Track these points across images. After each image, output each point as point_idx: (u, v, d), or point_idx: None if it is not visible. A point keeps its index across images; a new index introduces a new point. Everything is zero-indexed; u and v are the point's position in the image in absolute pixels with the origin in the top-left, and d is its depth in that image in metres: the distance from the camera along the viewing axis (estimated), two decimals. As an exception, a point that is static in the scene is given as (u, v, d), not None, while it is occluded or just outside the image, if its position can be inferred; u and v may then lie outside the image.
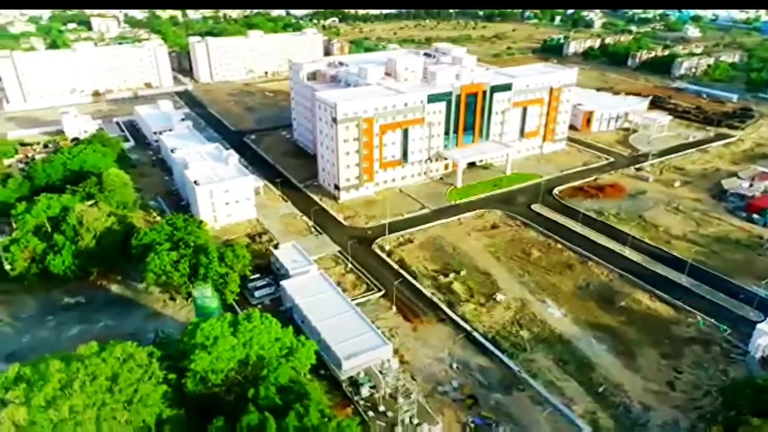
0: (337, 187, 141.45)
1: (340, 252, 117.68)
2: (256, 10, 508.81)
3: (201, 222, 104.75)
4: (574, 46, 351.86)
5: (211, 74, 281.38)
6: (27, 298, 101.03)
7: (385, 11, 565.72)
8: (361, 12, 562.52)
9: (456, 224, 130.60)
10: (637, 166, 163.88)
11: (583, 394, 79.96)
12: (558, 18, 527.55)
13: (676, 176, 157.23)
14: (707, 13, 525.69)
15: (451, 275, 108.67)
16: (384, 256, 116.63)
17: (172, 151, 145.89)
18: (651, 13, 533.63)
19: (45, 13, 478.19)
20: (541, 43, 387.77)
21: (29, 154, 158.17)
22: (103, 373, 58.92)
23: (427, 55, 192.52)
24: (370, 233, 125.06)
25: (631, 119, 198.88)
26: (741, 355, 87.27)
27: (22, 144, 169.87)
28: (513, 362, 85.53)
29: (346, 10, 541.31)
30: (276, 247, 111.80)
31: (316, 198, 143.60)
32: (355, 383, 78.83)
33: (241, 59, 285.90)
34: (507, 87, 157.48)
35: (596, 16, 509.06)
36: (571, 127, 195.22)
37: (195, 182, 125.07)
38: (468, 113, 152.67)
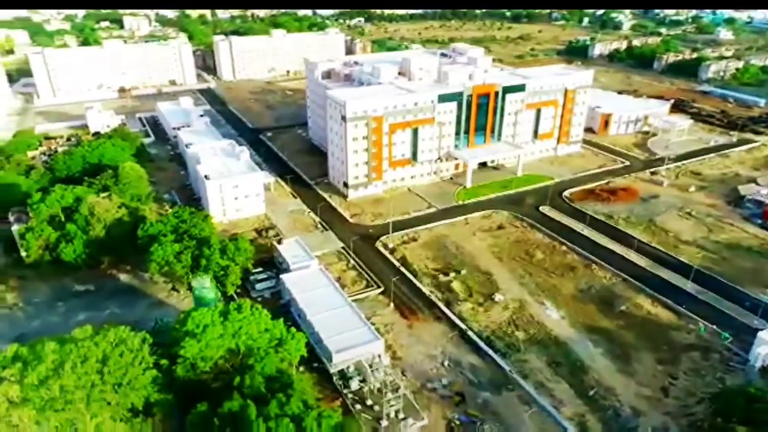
0: (345, 185, 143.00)
1: (343, 248, 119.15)
2: (282, 10, 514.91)
3: (206, 215, 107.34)
4: (600, 48, 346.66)
5: (233, 72, 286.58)
6: (40, 284, 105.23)
7: (410, 12, 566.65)
8: (387, 12, 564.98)
9: (462, 224, 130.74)
10: (653, 170, 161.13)
11: (573, 396, 79.54)
12: (586, 20, 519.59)
13: (693, 181, 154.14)
14: (742, 15, 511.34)
15: (452, 274, 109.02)
16: (387, 253, 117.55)
17: (186, 146, 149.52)
18: (683, 15, 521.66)
19: (80, 12, 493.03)
20: (566, 44, 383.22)
21: (52, 147, 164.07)
22: (94, 356, 61.36)
23: (443, 55, 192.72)
24: (372, 231, 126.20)
25: (650, 122, 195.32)
26: (741, 364, 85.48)
27: (47, 137, 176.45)
28: (505, 362, 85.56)
29: (371, 11, 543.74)
30: (279, 241, 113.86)
31: (325, 195, 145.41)
32: (344, 377, 80.00)
33: (264, 58, 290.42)
34: (520, 88, 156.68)
35: (626, 18, 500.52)
36: (589, 130, 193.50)
37: (205, 176, 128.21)
38: (480, 114, 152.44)
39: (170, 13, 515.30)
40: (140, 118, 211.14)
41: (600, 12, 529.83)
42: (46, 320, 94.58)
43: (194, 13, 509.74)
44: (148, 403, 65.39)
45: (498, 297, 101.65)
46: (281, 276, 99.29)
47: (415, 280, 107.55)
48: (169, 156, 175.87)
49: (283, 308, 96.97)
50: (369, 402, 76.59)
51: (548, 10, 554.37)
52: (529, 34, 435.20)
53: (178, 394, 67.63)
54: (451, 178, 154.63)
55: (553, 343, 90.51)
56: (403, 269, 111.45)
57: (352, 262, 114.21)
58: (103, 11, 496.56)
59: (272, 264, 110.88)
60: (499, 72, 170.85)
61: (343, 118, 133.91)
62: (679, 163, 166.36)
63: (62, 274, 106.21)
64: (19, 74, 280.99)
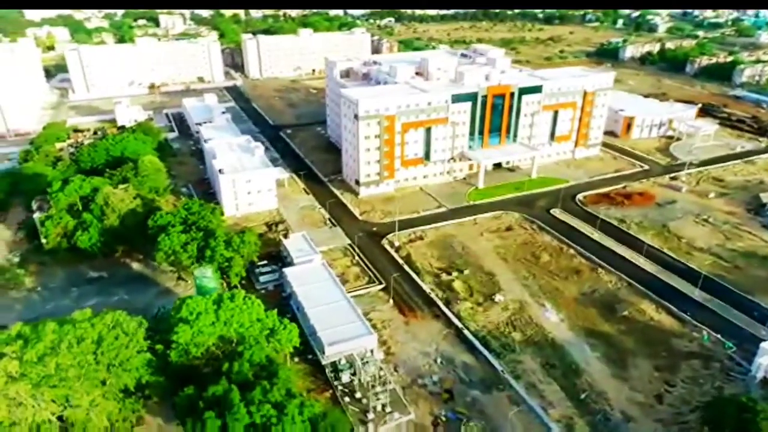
0: (357, 183, 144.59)
1: (350, 245, 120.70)
2: (314, 10, 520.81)
3: (214, 208, 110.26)
4: (631, 51, 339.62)
5: (260, 70, 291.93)
6: (57, 270, 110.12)
7: (441, 12, 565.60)
8: (417, 12, 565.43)
9: (470, 224, 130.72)
10: (672, 175, 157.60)
11: (563, 398, 79.09)
12: (620, 21, 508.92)
13: (714, 187, 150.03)
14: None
15: (454, 273, 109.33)
16: (392, 251, 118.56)
17: (204, 141, 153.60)
18: (723, 18, 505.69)
19: (119, 11, 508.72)
20: (597, 46, 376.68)
21: (79, 140, 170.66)
22: (90, 337, 64.41)
23: (464, 55, 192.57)
24: (378, 229, 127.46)
25: (675, 127, 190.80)
26: (742, 374, 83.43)
27: (75, 130, 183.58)
28: (498, 362, 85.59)
29: (401, 11, 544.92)
30: (286, 236, 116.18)
31: (337, 192, 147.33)
32: (336, 369, 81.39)
33: (290, 57, 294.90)
34: (536, 89, 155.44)
35: (662, 20, 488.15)
36: (611, 133, 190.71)
37: (220, 171, 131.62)
38: (494, 114, 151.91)
39: (205, 13, 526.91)
40: (166, 114, 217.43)
41: (635, 14, 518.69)
42: (59, 304, 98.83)
43: (228, 13, 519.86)
44: (142, 384, 68.14)
45: (498, 297, 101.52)
46: (284, 269, 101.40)
47: (417, 278, 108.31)
48: (190, 151, 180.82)
49: (284, 300, 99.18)
50: (358, 395, 77.80)
51: (581, 12, 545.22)
52: (560, 35, 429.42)
53: (171, 378, 70.27)
54: (464, 179, 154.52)
55: (549, 345, 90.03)
56: (406, 267, 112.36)
57: (356, 258, 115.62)
58: (141, 10, 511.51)
59: (279, 257, 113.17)
60: (518, 73, 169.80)
61: (356, 116, 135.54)
62: (701, 169, 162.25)
63: (78, 261, 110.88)
64: (57, 70, 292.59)
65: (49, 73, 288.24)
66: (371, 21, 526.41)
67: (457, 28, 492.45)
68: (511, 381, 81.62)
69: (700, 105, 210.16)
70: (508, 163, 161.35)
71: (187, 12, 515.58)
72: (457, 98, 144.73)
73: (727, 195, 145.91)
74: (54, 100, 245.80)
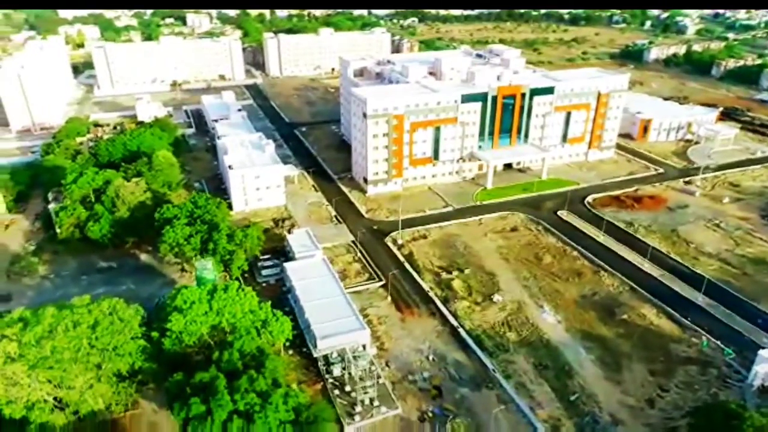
0: (365, 181, 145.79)
1: (353, 242, 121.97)
2: (338, 10, 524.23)
3: (220, 202, 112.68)
4: (656, 53, 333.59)
5: (280, 69, 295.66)
6: (69, 259, 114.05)
7: (465, 12, 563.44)
8: (441, 12, 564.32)
9: (476, 224, 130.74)
10: (687, 179, 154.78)
11: (553, 399, 78.91)
12: (648, 23, 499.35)
13: (729, 192, 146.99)
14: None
15: (455, 272, 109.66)
16: (394, 249, 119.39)
17: (217, 137, 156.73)
18: (755, 20, 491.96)
19: (148, 10, 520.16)
20: (622, 48, 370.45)
21: (98, 134, 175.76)
22: (86, 322, 66.96)
23: (479, 56, 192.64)
24: (381, 227, 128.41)
25: (694, 130, 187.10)
26: (739, 381, 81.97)
27: (96, 125, 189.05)
28: (490, 361, 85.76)
29: (425, 11, 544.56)
30: (289, 231, 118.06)
31: (346, 190, 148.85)
32: (328, 362, 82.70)
33: (310, 56, 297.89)
34: (548, 90, 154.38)
35: (692, 22, 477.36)
36: (627, 136, 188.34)
37: (229, 166, 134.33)
38: (505, 115, 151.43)
39: (231, 12, 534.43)
40: (186, 111, 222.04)
41: (664, 15, 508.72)
42: (68, 291, 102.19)
43: (253, 13, 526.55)
44: (135, 370, 70.51)
45: (496, 297, 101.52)
46: (284, 264, 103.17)
47: (417, 276, 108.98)
48: (206, 147, 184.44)
49: (284, 294, 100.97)
50: (347, 388, 78.92)
51: (608, 13, 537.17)
52: (584, 36, 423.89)
53: (164, 365, 72.38)
54: (473, 179, 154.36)
55: (544, 346, 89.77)
56: (407, 265, 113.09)
57: (358, 255, 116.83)
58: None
59: (283, 252, 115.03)
60: (531, 74, 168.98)
61: (365, 114, 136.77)
62: (717, 173, 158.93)
63: (90, 251, 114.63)
64: (85, 67, 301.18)
65: (77, 69, 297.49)
66: (394, 21, 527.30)
67: (481, 28, 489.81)
68: (501, 380, 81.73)
69: (721, 108, 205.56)
70: (518, 164, 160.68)
71: (213, 11, 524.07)
72: (466, 98, 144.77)
73: (742, 200, 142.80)
74: (80, 96, 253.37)
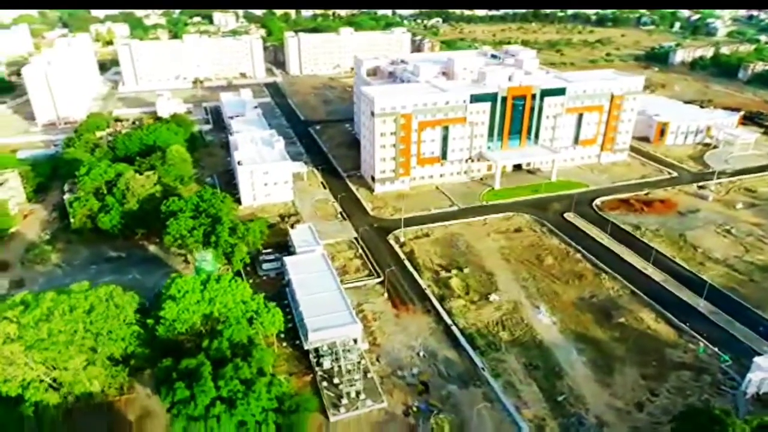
0: (373, 179, 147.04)
1: (356, 238, 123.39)
2: (362, 10, 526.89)
3: (225, 196, 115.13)
4: (682, 55, 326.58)
5: (300, 68, 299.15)
6: (81, 248, 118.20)
7: (490, 13, 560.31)
8: (466, 13, 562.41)
9: (480, 224, 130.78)
10: (701, 183, 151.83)
11: (540, 399, 78.89)
12: (678, 25, 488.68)
13: (743, 198, 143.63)
14: None
15: (453, 271, 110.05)
16: (396, 247, 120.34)
17: (230, 134, 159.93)
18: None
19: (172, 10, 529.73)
20: (647, 50, 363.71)
21: (117, 129, 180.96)
22: (82, 307, 69.81)
23: (494, 56, 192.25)
24: (384, 225, 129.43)
25: (713, 134, 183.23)
26: (733, 389, 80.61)
27: (116, 120, 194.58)
28: (480, 359, 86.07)
29: (449, 12, 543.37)
30: (293, 226, 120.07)
31: (353, 187, 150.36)
32: (319, 355, 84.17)
33: (330, 55, 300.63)
34: (560, 91, 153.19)
35: (723, 24, 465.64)
36: (644, 139, 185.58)
37: (238, 162, 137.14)
38: (515, 116, 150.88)
39: (258, 12, 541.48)
40: (205, 107, 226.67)
41: (695, 17, 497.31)
42: (77, 279, 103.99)
43: (279, 12, 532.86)
44: (128, 355, 73.12)
45: (493, 297, 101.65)
46: (284, 258, 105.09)
47: (415, 274, 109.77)
48: (221, 143, 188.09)
49: (284, 287, 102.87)
50: (336, 381, 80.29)
51: (637, 14, 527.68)
52: (609, 38, 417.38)
53: (157, 351, 74.81)
54: (482, 179, 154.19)
55: (536, 346, 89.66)
56: (407, 262, 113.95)
57: (360, 251, 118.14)
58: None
59: (286, 247, 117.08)
60: (544, 75, 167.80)
61: (372, 113, 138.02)
62: (733, 178, 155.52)
63: (101, 241, 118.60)
64: (112, 64, 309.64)
65: (105, 66, 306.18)
66: (418, 21, 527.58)
67: (504, 29, 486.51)
68: (489, 378, 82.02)
69: (743, 112, 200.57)
70: (528, 165, 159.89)
71: (240, 11, 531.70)
72: (475, 98, 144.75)
73: (757, 206, 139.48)
74: (105, 92, 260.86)
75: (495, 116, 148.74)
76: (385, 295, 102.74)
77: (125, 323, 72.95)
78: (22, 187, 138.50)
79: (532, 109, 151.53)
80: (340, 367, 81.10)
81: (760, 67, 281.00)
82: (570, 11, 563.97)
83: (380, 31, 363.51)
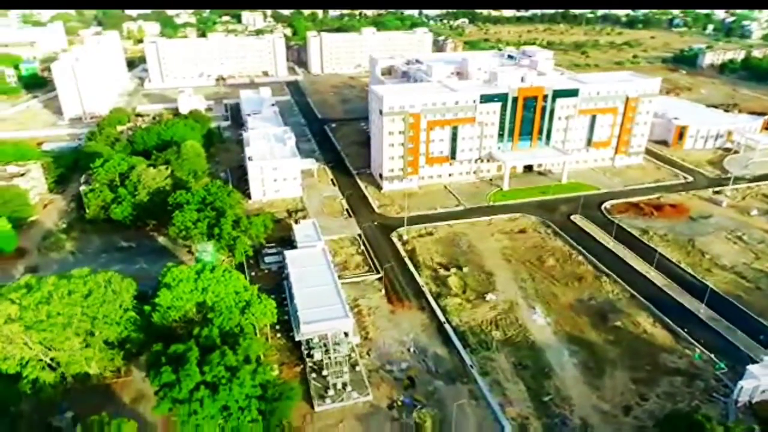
0: (381, 177, 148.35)
1: (359, 235, 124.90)
2: (388, 10, 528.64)
3: (231, 191, 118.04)
4: (711, 58, 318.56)
5: (322, 67, 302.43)
6: (94, 238, 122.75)
7: (518, 14, 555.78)
8: (493, 13, 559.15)
9: (484, 224, 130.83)
10: (717, 189, 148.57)
11: (526, 399, 78.99)
12: (711, 27, 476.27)
13: (760, 204, 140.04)
14: None
15: (453, 270, 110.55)
16: (399, 244, 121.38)
17: (244, 130, 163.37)
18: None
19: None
20: (676, 52, 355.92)
21: (137, 123, 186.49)
22: (80, 291, 72.92)
23: (510, 57, 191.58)
24: (389, 222, 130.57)
25: (734, 139, 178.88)
26: (725, 396, 79.22)
27: (137, 115, 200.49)
28: (470, 357, 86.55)
29: (476, 12, 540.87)
30: (297, 221, 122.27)
31: (362, 185, 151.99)
32: (310, 347, 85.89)
33: (351, 54, 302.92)
34: (572, 93, 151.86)
35: (759, 26, 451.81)
36: (662, 142, 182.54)
37: (249, 158, 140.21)
38: (525, 117, 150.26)
39: (286, 12, 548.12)
40: (225, 104, 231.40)
41: (730, 19, 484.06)
42: (87, 266, 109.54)
43: (306, 12, 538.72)
44: (124, 339, 76.13)
45: (489, 296, 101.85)
46: (285, 252, 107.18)
47: (414, 271, 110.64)
48: (238, 139, 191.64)
49: (284, 280, 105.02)
50: (325, 372, 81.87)
51: (669, 16, 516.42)
52: (637, 40, 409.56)
53: (152, 337, 77.54)
54: (491, 180, 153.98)
55: (527, 346, 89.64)
56: (407, 260, 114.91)
57: (362, 247, 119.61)
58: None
59: (291, 241, 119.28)
60: (558, 76, 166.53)
61: (381, 111, 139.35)
62: (751, 184, 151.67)
63: (113, 231, 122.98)
64: (140, 61, 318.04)
65: (133, 63, 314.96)
66: (444, 22, 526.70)
67: (531, 30, 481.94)
68: (476, 376, 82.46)
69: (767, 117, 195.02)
70: (540, 166, 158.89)
71: (268, 10, 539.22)
72: (485, 98, 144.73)
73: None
74: (131, 88, 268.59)
75: (505, 117, 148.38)
76: (383, 291, 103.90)
77: (122, 308, 75.83)
78: (43, 178, 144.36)
79: (543, 110, 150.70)
80: (330, 359, 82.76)
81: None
82: (600, 12, 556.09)
83: (403, 31, 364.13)
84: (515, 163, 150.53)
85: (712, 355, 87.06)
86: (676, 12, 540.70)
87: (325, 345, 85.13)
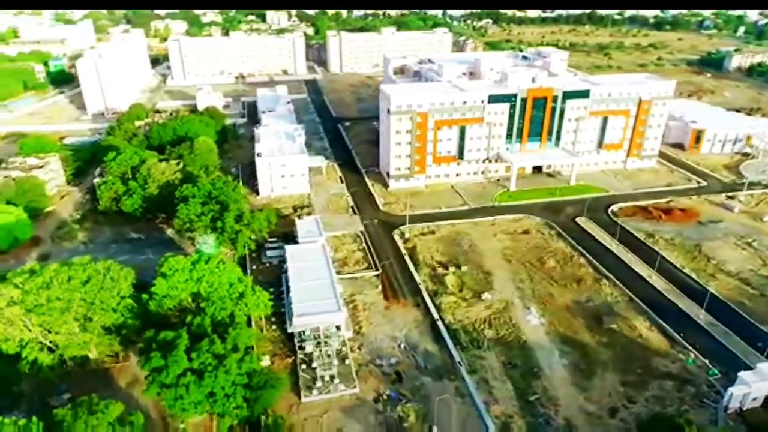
0: (388, 175, 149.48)
1: (362, 232, 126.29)
2: (411, 10, 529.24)
3: (236, 186, 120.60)
4: (739, 61, 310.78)
5: (341, 66, 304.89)
6: (106, 228, 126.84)
7: (543, 15, 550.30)
8: (518, 14, 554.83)
9: (488, 224, 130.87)
10: (730, 194, 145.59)
11: (511, 397, 79.21)
12: (742, 29, 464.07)
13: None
14: None
15: (451, 268, 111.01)
16: (400, 242, 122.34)
17: (256, 127, 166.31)
18: None
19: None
20: (703, 55, 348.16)
21: (155, 119, 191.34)
22: (79, 278, 75.90)
23: (524, 57, 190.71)
24: (392, 220, 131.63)
25: (753, 143, 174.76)
26: (716, 402, 78.12)
27: (156, 111, 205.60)
28: (460, 354, 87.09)
29: (500, 13, 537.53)
30: (300, 217, 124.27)
31: (369, 183, 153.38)
32: (302, 339, 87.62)
33: (370, 53, 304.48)
34: (583, 94, 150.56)
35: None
36: (678, 146, 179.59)
37: (258, 154, 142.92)
38: (534, 117, 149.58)
39: (311, 12, 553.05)
40: (243, 102, 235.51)
41: (762, 21, 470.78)
42: (97, 256, 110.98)
43: (331, 12, 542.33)
44: (121, 325, 78.97)
45: (485, 296, 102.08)
46: (285, 246, 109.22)
47: (413, 269, 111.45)
48: (252, 136, 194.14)
49: (283, 274, 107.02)
50: (314, 365, 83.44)
51: (699, 18, 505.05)
52: (663, 42, 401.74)
53: (148, 324, 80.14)
54: (498, 180, 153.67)
55: (519, 346, 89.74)
56: (407, 257, 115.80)
57: (363, 244, 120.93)
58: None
59: (294, 236, 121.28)
60: (570, 77, 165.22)
61: (388, 110, 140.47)
62: (766, 190, 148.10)
63: (124, 223, 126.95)
64: (165, 58, 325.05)
65: (158, 61, 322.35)
66: (468, 22, 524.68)
67: (555, 31, 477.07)
68: (464, 373, 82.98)
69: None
70: (549, 167, 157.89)
71: (293, 10, 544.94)
72: (493, 98, 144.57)
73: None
74: (154, 85, 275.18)
75: (514, 117, 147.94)
76: (379, 287, 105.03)
77: (119, 296, 78.63)
78: (62, 170, 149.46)
79: (553, 111, 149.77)
80: (320, 351, 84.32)
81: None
82: (627, 13, 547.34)
83: (423, 31, 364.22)
84: (522, 164, 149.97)
85: (707, 361, 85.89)
86: (706, 13, 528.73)
87: (316, 338, 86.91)
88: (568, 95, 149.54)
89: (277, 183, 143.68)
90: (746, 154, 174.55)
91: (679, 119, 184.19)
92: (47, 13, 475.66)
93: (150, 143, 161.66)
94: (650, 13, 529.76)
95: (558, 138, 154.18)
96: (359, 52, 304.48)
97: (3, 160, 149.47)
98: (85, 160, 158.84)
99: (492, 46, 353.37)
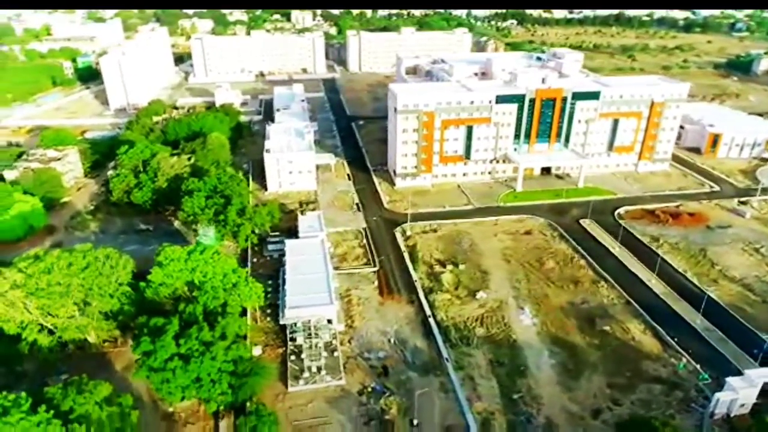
0: (395, 173, 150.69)
1: (364, 229, 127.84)
2: (434, 11, 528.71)
3: (241, 180, 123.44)
4: (767, 64, 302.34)
5: (359, 65, 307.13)
6: (117, 219, 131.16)
7: (569, 15, 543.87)
8: (543, 14, 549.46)
9: (490, 224, 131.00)
10: (743, 199, 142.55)
11: (495, 395, 79.65)
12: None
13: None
14: None
15: (449, 267, 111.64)
16: (401, 239, 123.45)
17: (268, 124, 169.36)
18: None
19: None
20: (732, 58, 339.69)
21: (172, 115, 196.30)
22: (79, 264, 79.19)
23: (539, 58, 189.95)
24: (392, 218, 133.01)
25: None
26: (704, 407, 77.24)
27: (174, 107, 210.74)
28: (448, 351, 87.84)
29: (525, 13, 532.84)
30: (303, 213, 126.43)
31: (377, 181, 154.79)
32: (294, 331, 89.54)
33: (388, 53, 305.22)
34: (593, 95, 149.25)
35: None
36: (695, 150, 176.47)
37: (266, 150, 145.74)
38: (543, 118, 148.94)
39: (336, 12, 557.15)
40: (260, 99, 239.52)
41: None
42: (106, 246, 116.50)
43: (355, 12, 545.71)
44: (118, 311, 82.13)
45: (480, 294, 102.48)
46: (286, 240, 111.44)
47: (411, 266, 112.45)
48: (266, 132, 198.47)
49: (281, 267, 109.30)
50: (303, 356, 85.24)
51: (731, 20, 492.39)
52: (691, 44, 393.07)
53: (144, 311, 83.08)
54: (505, 181, 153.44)
55: (508, 345, 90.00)
56: (406, 255, 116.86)
57: (365, 241, 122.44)
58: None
59: (297, 231, 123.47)
60: (582, 78, 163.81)
61: (395, 109, 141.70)
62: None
63: (134, 214, 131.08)
64: (189, 56, 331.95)
65: (182, 58, 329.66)
66: (492, 23, 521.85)
67: (580, 32, 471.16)
68: (450, 370, 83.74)
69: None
70: (558, 169, 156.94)
71: (318, 10, 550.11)
72: (501, 99, 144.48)
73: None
74: (176, 82, 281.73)
75: (522, 118, 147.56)
76: (375, 283, 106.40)
77: (117, 282, 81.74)
78: (80, 163, 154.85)
79: (562, 112, 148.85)
80: (310, 343, 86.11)
81: None
82: (657, 14, 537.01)
83: (444, 31, 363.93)
84: (529, 164, 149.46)
85: (698, 366, 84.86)
86: (739, 15, 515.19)
87: (307, 330, 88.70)
88: (577, 96, 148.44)
89: (284, 179, 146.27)
90: (765, 159, 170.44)
91: (697, 123, 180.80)
92: (80, 12, 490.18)
93: (166, 138, 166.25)
94: (680, 15, 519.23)
95: (567, 139, 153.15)
96: (378, 52, 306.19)
97: (25, 151, 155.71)
98: (103, 154, 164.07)
99: (514, 47, 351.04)
